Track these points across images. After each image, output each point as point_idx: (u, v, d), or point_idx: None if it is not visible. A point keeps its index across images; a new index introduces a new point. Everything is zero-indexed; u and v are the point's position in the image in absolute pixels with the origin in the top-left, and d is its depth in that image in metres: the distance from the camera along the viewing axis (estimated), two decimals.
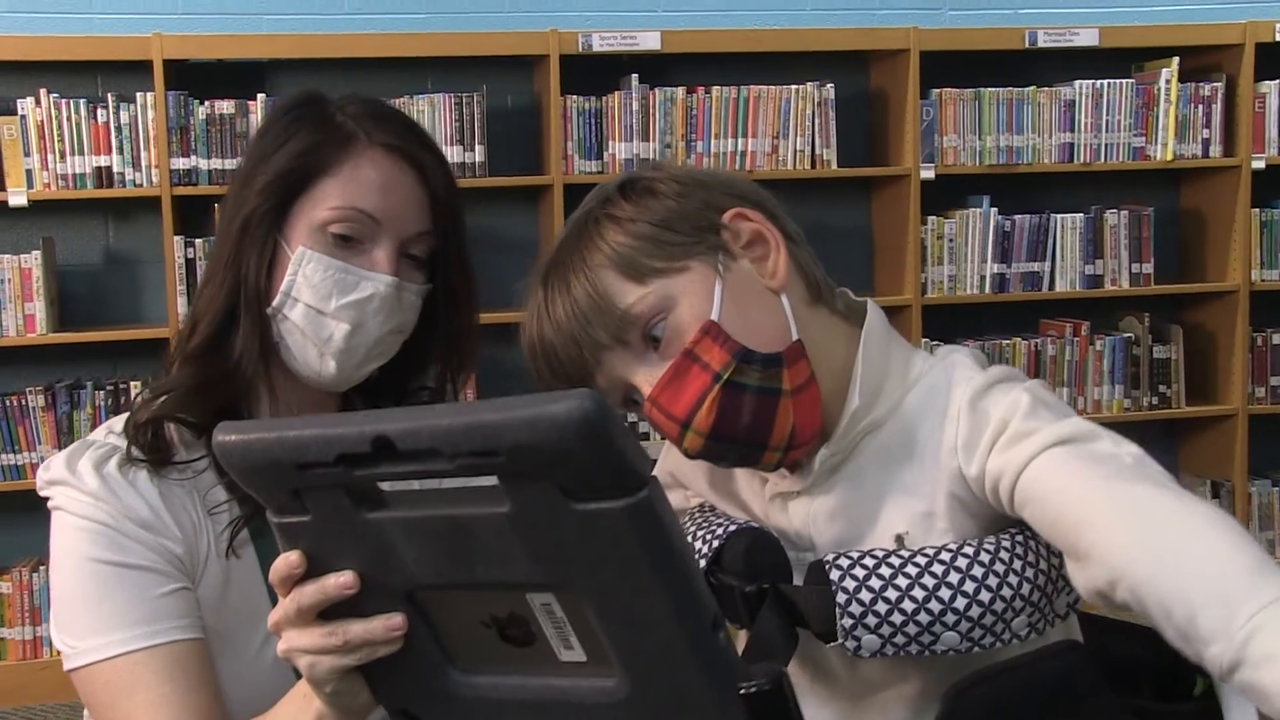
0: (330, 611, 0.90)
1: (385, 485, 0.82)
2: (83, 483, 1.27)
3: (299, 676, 0.98)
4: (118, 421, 1.35)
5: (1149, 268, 4.42)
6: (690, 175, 1.20)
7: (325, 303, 1.28)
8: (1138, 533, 0.98)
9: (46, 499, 1.31)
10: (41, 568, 3.89)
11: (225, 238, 1.32)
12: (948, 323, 4.37)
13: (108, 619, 1.24)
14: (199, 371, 1.31)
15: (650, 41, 4.05)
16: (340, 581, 0.87)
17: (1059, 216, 4.35)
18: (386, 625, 0.88)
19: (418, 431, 0.75)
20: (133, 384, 3.89)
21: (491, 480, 0.76)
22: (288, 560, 0.89)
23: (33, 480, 3.74)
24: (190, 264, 3.85)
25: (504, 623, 0.84)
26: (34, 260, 3.80)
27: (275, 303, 1.30)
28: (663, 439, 1.20)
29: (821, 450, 1.17)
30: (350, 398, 1.42)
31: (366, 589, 0.87)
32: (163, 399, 1.32)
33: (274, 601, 0.95)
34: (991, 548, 1.10)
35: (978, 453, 1.10)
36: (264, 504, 0.88)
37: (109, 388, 3.88)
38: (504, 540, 0.78)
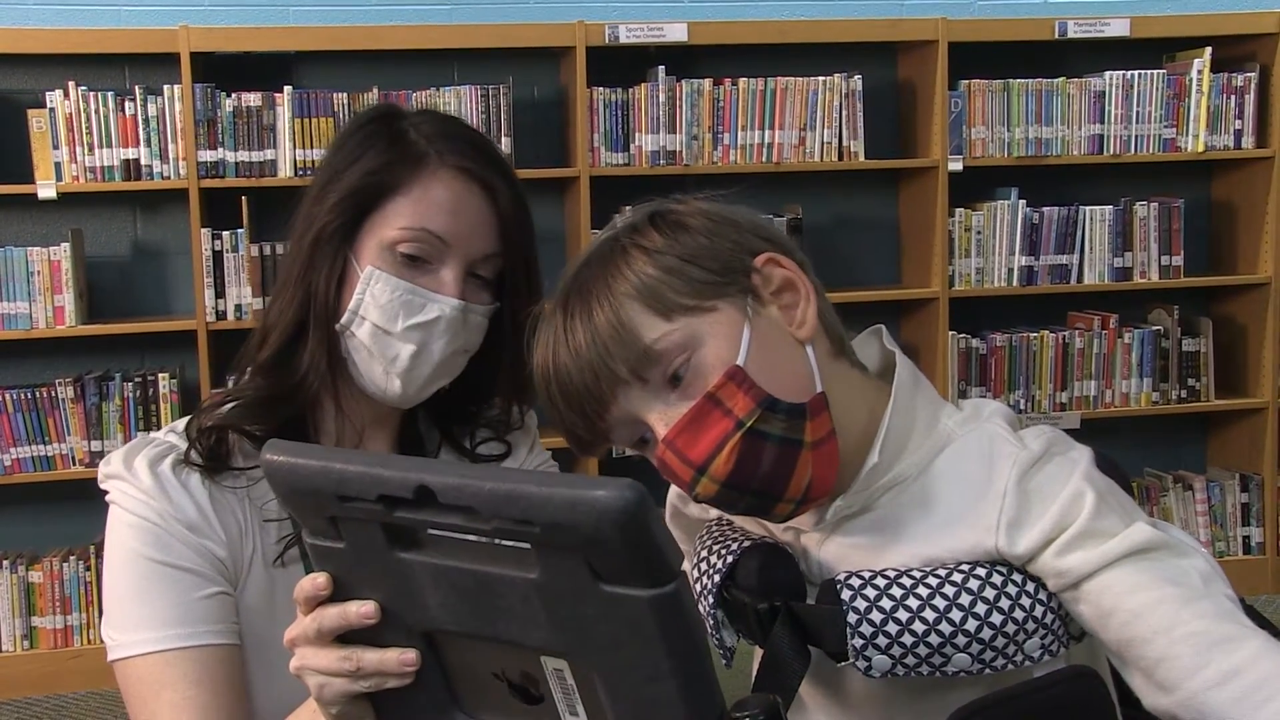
0: (347, 637, 0.91)
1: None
2: (137, 479, 1.29)
3: None
4: (181, 422, 1.37)
5: (1179, 260, 4.39)
6: (721, 213, 1.17)
7: (392, 323, 1.29)
8: (1229, 689, 0.99)
9: (105, 492, 1.33)
10: (71, 557, 3.91)
11: (296, 252, 1.32)
12: (975, 315, 4.35)
13: (146, 615, 1.27)
14: (267, 384, 1.33)
15: (677, 33, 4.04)
16: (362, 610, 0.89)
17: (1088, 209, 4.32)
18: (400, 659, 0.89)
19: (460, 488, 0.76)
20: (161, 375, 3.90)
21: (525, 545, 0.77)
22: (315, 581, 0.90)
23: (62, 471, 3.79)
24: (217, 256, 3.86)
25: (515, 678, 0.85)
26: (63, 252, 3.82)
27: (343, 320, 1.31)
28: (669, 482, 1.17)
29: (838, 500, 1.16)
30: (415, 414, 1.43)
31: (386, 621, 0.88)
32: (230, 406, 1.33)
33: None
34: (1004, 569, 1.09)
35: (1025, 534, 1.08)
36: (300, 523, 0.90)
37: (137, 379, 3.89)
38: (528, 604, 0.79)
